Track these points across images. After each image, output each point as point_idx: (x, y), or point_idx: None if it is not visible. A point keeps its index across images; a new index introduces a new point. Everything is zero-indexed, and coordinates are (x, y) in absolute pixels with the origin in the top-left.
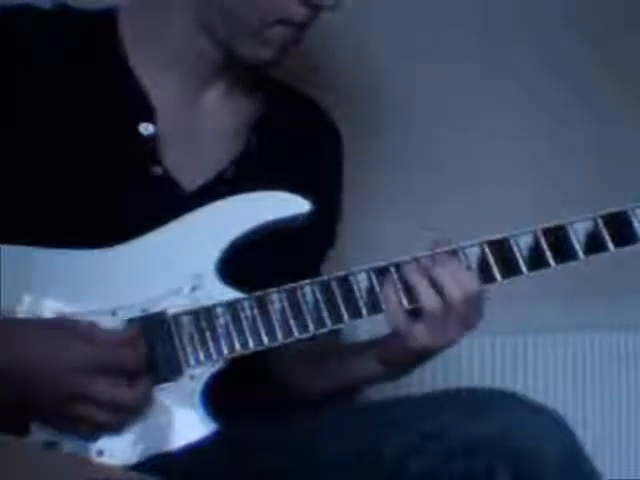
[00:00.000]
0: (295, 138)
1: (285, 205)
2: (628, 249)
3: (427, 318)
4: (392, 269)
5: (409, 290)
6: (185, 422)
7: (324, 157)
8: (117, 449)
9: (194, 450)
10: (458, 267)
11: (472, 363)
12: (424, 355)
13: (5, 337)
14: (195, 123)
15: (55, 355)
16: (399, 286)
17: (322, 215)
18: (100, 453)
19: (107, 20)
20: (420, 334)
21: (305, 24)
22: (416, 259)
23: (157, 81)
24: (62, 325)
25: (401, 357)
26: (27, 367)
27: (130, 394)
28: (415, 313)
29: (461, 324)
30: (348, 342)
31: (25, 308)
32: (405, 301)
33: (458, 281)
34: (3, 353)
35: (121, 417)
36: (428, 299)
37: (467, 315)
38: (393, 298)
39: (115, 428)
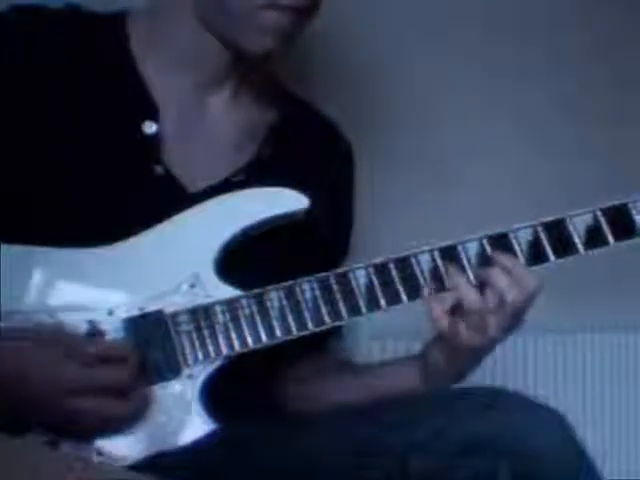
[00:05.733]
0: (308, 151)
1: (282, 201)
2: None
3: (467, 315)
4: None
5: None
6: (184, 421)
7: (337, 173)
8: (116, 449)
9: (193, 449)
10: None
11: None
12: (465, 360)
13: (4, 352)
14: (201, 125)
15: (49, 375)
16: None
17: (335, 227)
18: (99, 453)
19: (116, 22)
20: (461, 330)
21: (298, 8)
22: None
23: (163, 81)
24: (57, 342)
25: (444, 361)
26: (23, 384)
27: (120, 409)
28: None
29: (502, 321)
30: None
31: (24, 307)
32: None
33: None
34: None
35: (115, 428)
36: (468, 295)
37: (511, 312)
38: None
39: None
